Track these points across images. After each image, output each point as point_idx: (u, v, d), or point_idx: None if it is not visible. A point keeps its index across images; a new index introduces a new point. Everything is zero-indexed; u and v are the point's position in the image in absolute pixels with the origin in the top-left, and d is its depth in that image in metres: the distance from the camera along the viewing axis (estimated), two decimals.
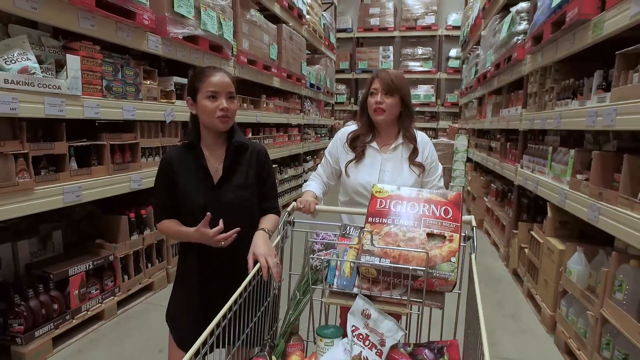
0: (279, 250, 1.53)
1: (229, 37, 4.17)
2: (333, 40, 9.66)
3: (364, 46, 11.63)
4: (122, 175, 2.96)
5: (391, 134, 1.94)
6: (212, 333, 1.04)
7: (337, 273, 1.37)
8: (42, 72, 2.31)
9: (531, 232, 3.46)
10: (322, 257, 1.39)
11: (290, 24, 6.37)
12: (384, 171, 1.88)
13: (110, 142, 2.88)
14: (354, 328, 1.25)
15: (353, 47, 11.49)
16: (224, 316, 1.12)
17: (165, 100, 3.43)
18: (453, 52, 10.70)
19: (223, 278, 1.62)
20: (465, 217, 1.42)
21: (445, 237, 1.27)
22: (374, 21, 11.23)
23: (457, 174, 7.95)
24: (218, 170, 1.61)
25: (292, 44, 6.28)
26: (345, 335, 1.29)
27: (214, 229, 1.50)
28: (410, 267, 1.22)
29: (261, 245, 1.47)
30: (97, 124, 3.10)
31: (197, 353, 0.97)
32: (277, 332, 1.47)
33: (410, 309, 1.30)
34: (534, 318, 3.19)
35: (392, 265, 1.24)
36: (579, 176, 2.61)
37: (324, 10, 9.22)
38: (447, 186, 7.88)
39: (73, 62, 2.44)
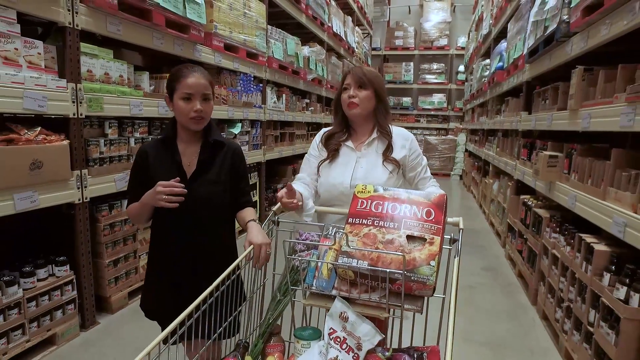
0: None
1: (324, 75, 7.61)
2: (369, 62, 12.99)
3: (390, 62, 14.60)
4: (285, 146, 6.42)
5: (366, 130, 1.84)
6: (190, 315, 1.04)
7: (316, 274, 1.33)
8: (277, 102, 5.76)
9: (484, 179, 6.82)
10: (302, 258, 1.36)
11: (347, 59, 9.78)
12: (358, 168, 1.78)
13: (289, 132, 6.34)
14: (331, 330, 1.22)
15: (381, 62, 14.57)
16: (204, 300, 1.10)
17: (304, 111, 6.89)
18: (461, 68, 13.38)
19: (191, 269, 1.65)
20: (453, 219, 1.38)
21: (426, 239, 1.22)
22: (398, 42, 14.12)
23: (458, 160, 11.28)
24: (191, 165, 1.63)
25: None
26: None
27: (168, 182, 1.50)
28: (388, 270, 1.17)
29: (257, 234, 1.49)
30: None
31: (173, 333, 0.99)
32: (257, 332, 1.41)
33: (393, 314, 1.25)
34: (482, 217, 6.62)
35: (369, 267, 1.19)
36: (497, 149, 5.97)
37: (363, 39, 12.50)
38: (450, 169, 11.16)
39: (284, 97, 5.89)
